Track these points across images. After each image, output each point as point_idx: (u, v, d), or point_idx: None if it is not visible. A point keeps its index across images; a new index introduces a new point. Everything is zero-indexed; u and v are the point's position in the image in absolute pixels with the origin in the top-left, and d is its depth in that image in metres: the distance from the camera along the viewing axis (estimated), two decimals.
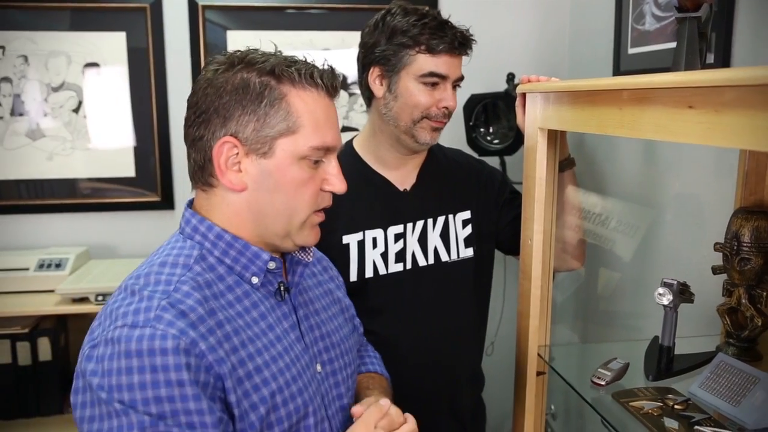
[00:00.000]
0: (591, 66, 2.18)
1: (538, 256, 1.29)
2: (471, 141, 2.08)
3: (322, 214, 0.99)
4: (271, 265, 0.96)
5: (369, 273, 1.38)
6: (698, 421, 1.03)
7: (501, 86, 2.12)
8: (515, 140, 2.05)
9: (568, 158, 1.40)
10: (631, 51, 1.96)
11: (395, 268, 1.39)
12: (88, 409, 0.83)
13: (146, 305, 0.85)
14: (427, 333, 1.40)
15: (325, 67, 0.96)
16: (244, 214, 0.94)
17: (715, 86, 0.74)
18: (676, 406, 1.08)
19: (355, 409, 1.00)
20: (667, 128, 0.84)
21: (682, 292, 1.22)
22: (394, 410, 0.99)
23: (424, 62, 1.31)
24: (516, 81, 2.17)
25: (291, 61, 0.93)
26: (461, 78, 1.38)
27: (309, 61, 0.95)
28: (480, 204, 1.46)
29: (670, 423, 1.02)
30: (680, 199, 1.71)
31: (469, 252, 1.44)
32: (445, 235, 1.42)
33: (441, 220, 1.42)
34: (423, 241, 1.41)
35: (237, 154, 0.91)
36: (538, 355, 1.33)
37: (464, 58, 1.38)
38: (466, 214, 1.45)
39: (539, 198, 1.27)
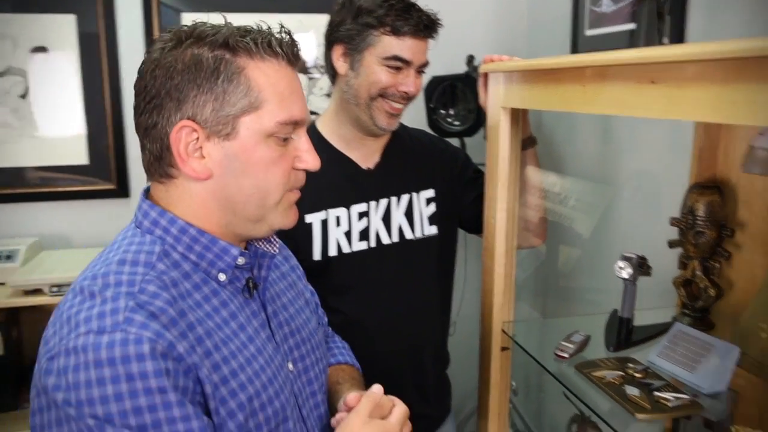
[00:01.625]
0: (549, 48, 2.21)
1: (502, 234, 1.31)
2: (432, 123, 2.09)
3: (297, 192, 0.92)
4: (240, 260, 0.89)
5: (333, 251, 1.38)
6: (657, 387, 1.06)
7: (461, 68, 2.13)
8: (475, 122, 2.07)
9: (530, 137, 1.43)
10: (589, 33, 1.99)
11: (359, 246, 1.39)
12: (54, 429, 0.75)
13: (111, 307, 0.76)
14: (393, 310, 1.41)
15: (283, 34, 0.87)
16: (211, 204, 0.86)
17: (677, 61, 0.76)
18: (636, 375, 1.11)
19: (350, 399, 0.96)
20: (630, 103, 0.86)
21: (641, 266, 1.26)
22: (384, 397, 0.95)
23: (389, 44, 1.31)
24: (476, 63, 2.19)
25: (245, 31, 0.84)
26: (426, 64, 1.38)
27: (264, 28, 0.86)
28: (443, 182, 1.48)
29: (631, 390, 1.05)
30: (637, 177, 1.76)
31: (433, 230, 1.45)
32: (409, 213, 1.43)
33: (405, 198, 1.43)
34: (387, 219, 1.41)
35: (197, 138, 0.83)
36: (503, 331, 1.35)
37: (430, 42, 1.38)
38: (430, 193, 1.46)
39: (502, 177, 1.29)
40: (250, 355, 0.87)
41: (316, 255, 1.36)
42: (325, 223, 1.37)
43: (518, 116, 1.30)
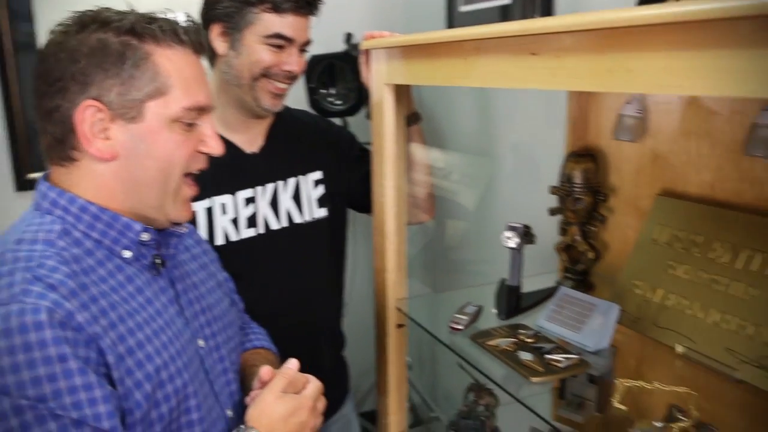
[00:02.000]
0: (425, 24, 2.23)
1: (392, 211, 1.31)
2: (313, 103, 2.05)
3: (194, 186, 0.94)
4: (144, 236, 0.89)
5: (220, 240, 1.32)
6: (548, 350, 1.11)
7: (339, 46, 2.10)
8: (357, 101, 2.05)
9: (414, 113, 1.43)
10: (463, 9, 2.03)
11: (248, 233, 1.34)
12: None
13: (7, 281, 0.76)
14: (286, 296, 1.38)
15: (189, 23, 0.90)
16: (114, 186, 0.87)
17: (556, 32, 0.78)
18: (527, 340, 1.15)
19: (264, 373, 0.98)
20: (512, 75, 0.88)
21: (526, 234, 1.30)
22: (298, 374, 0.98)
23: (270, 22, 1.26)
24: (354, 41, 2.17)
25: (151, 18, 0.86)
26: (308, 42, 1.35)
27: (170, 17, 0.89)
28: (330, 163, 1.45)
29: (525, 356, 1.09)
30: (515, 148, 1.82)
31: (322, 212, 1.43)
32: (296, 197, 1.40)
33: (292, 181, 1.39)
34: (275, 204, 1.37)
35: (102, 119, 0.83)
36: (397, 308, 1.36)
37: (312, 20, 1.34)
38: (317, 175, 1.43)
39: (389, 154, 1.29)
40: (157, 327, 0.88)
41: None
42: (210, 211, 1.31)
43: (402, 92, 1.29)
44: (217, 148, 0.93)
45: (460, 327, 1.23)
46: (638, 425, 0.90)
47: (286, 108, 1.45)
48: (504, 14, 1.84)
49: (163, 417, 0.85)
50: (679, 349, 1.10)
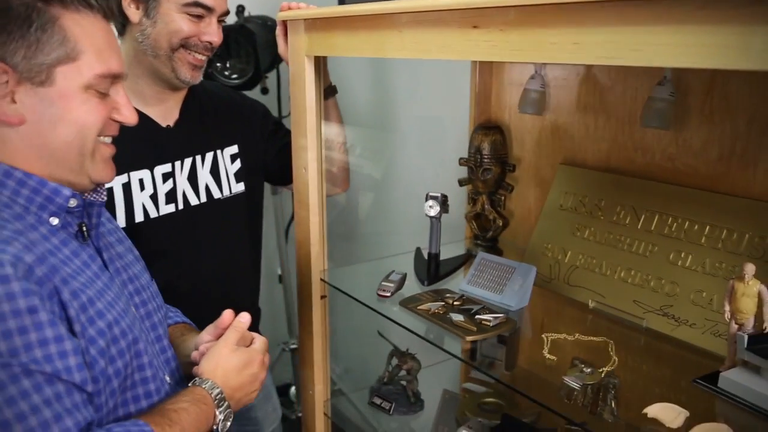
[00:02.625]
0: None
1: (314, 184, 1.31)
2: (208, 76, 1.97)
3: (112, 146, 0.92)
4: (72, 202, 0.86)
5: (139, 217, 1.27)
6: (476, 311, 1.17)
7: (232, 19, 2.04)
8: (253, 75, 2.01)
9: (331, 86, 1.43)
10: None
11: (167, 209, 1.29)
12: None
13: None
14: (206, 271, 1.35)
15: None
16: (27, 152, 0.84)
17: (500, 6, 0.82)
18: (455, 303, 1.21)
19: (223, 318, 1.02)
20: (453, 48, 0.91)
21: (444, 203, 1.35)
22: (246, 330, 1.02)
23: None
24: (246, 14, 2.11)
25: None
26: (227, 12, 1.30)
27: None
28: (246, 137, 1.42)
29: (457, 317, 1.15)
30: (421, 122, 1.87)
31: (240, 187, 1.40)
32: (215, 172, 1.36)
33: (209, 156, 1.35)
34: (193, 179, 1.33)
35: (7, 82, 0.80)
36: (321, 279, 1.37)
37: None
38: (234, 149, 1.40)
39: (310, 126, 1.28)
40: (100, 288, 0.87)
41: (121, 222, 1.24)
42: (127, 186, 1.24)
43: (320, 65, 1.29)
44: (130, 117, 0.91)
45: (387, 294, 1.27)
46: (569, 373, 0.98)
47: (202, 81, 1.40)
48: None
49: (119, 372, 0.85)
50: (592, 304, 1.20)
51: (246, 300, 1.46)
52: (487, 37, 0.85)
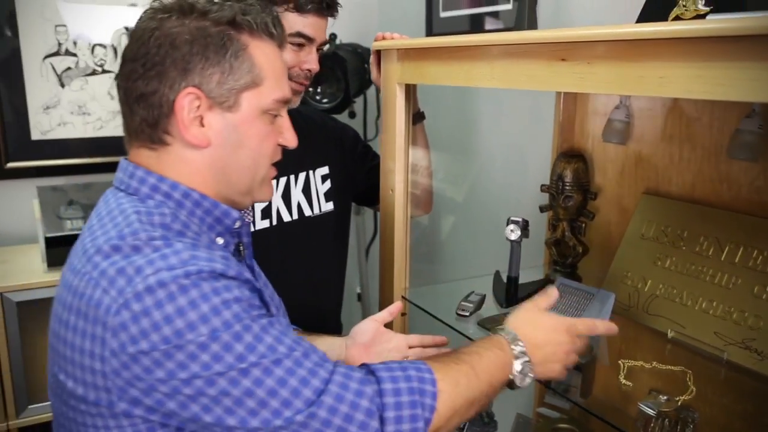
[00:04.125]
0: (404, 28, 2.30)
1: (400, 204, 1.37)
2: (301, 101, 2.09)
3: (275, 169, 0.97)
4: (237, 224, 0.92)
5: None
6: None
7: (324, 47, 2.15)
8: (343, 99, 2.11)
9: (419, 112, 1.50)
10: (444, 14, 2.11)
11: (262, 224, 1.38)
12: (181, 370, 0.73)
13: (172, 250, 0.77)
14: (295, 286, 1.42)
15: (275, 18, 0.93)
16: (206, 172, 0.88)
17: (588, 41, 0.86)
18: None
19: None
20: (541, 79, 0.96)
21: (525, 228, 1.39)
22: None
23: (293, 21, 1.30)
24: (337, 41, 2.23)
25: (245, 11, 0.88)
26: (326, 42, 1.39)
27: (257, 9, 0.91)
28: (337, 159, 1.51)
29: None
30: (506, 148, 1.91)
31: (329, 206, 1.48)
32: (306, 191, 1.44)
33: (302, 176, 1.44)
34: (287, 197, 1.42)
35: (199, 107, 0.85)
36: (403, 297, 1.42)
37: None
38: (325, 170, 1.48)
39: (399, 149, 1.35)
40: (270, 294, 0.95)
41: None
42: None
43: (410, 92, 1.36)
44: (292, 141, 0.97)
45: (466, 314, 1.31)
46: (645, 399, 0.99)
47: (296, 106, 1.49)
48: (479, 22, 1.94)
49: None
50: (671, 333, 1.20)
51: (331, 314, 1.53)
52: (574, 70, 0.90)
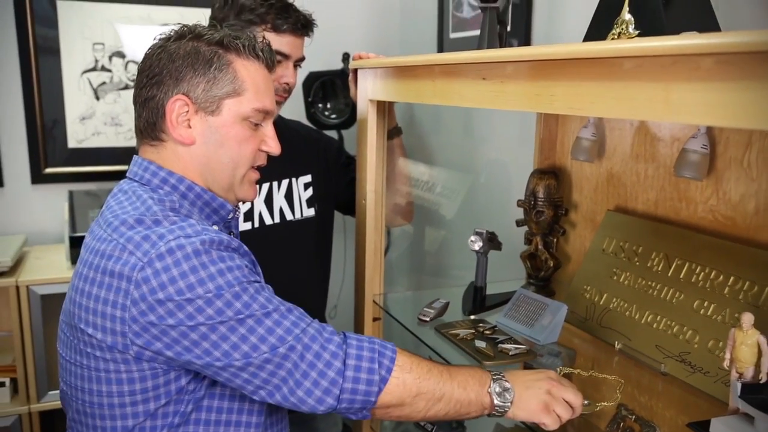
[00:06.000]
0: (418, 48, 2.40)
1: (372, 213, 1.46)
2: (310, 116, 2.21)
3: (257, 172, 1.11)
4: (230, 215, 1.08)
5: None
6: (502, 341, 1.25)
7: (338, 65, 2.26)
8: (351, 115, 2.21)
9: (396, 127, 1.58)
10: (452, 36, 2.19)
11: (244, 226, 1.50)
12: (189, 320, 0.89)
13: (188, 223, 0.94)
14: (276, 284, 1.52)
15: (265, 44, 1.09)
16: (193, 166, 1.04)
17: (500, 62, 0.93)
18: (485, 332, 1.29)
19: None
20: (467, 96, 1.03)
21: (491, 240, 1.44)
22: None
23: (271, 40, 1.40)
24: (351, 60, 2.33)
25: (236, 36, 1.05)
26: (302, 58, 1.50)
27: (251, 37, 1.08)
28: (320, 168, 1.60)
29: (480, 344, 1.23)
30: (492, 165, 1.97)
31: (311, 212, 1.58)
32: (289, 197, 1.55)
33: (285, 182, 1.55)
34: (269, 202, 1.52)
35: (187, 111, 1.01)
36: (374, 301, 1.50)
37: (306, 40, 1.50)
38: (308, 178, 1.59)
39: (371, 162, 1.44)
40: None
41: None
42: None
43: (384, 108, 1.45)
44: (275, 148, 1.11)
45: (426, 318, 1.37)
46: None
47: (281, 118, 1.60)
48: (479, 42, 2.00)
49: None
50: (618, 345, 1.23)
51: (314, 312, 1.62)
52: (491, 88, 0.96)
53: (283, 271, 1.54)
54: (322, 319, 1.70)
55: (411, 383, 0.97)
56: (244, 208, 1.50)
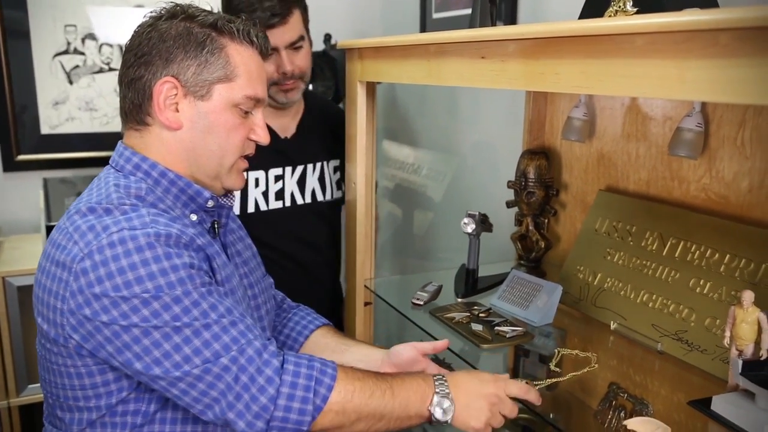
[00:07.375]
0: (400, 29, 2.36)
1: (362, 197, 1.43)
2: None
3: (246, 161, 1.06)
4: (210, 203, 1.02)
5: (251, 209, 1.53)
6: (498, 323, 1.24)
7: (319, 46, 2.22)
8: (334, 97, 2.18)
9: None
10: (436, 15, 2.16)
11: (275, 205, 1.55)
12: (123, 319, 0.84)
13: (136, 214, 0.90)
14: (301, 262, 1.58)
15: (260, 30, 1.03)
16: (178, 152, 0.99)
17: (502, 40, 0.91)
18: (480, 315, 1.28)
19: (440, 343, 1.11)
20: (465, 76, 1.01)
21: (483, 222, 1.43)
22: None
23: None
24: (333, 41, 2.29)
25: (230, 19, 1.00)
26: (294, 42, 1.45)
27: (246, 22, 1.03)
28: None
29: (476, 327, 1.22)
30: (479, 146, 1.95)
31: (339, 194, 1.66)
32: (321, 179, 1.62)
33: (318, 166, 1.61)
34: (302, 183, 1.58)
35: (176, 94, 0.96)
36: (365, 286, 1.48)
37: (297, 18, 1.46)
38: (336, 162, 1.65)
39: (360, 145, 1.41)
40: (228, 273, 1.01)
41: (235, 210, 1.46)
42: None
43: (373, 89, 1.42)
44: (264, 138, 1.04)
45: (420, 302, 1.36)
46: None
47: (313, 97, 1.66)
48: (471, 21, 1.98)
49: None
50: (613, 325, 1.23)
51: (328, 284, 1.70)
52: (491, 67, 0.94)
53: (308, 245, 1.61)
54: (338, 297, 1.72)
55: (351, 410, 0.93)
56: (276, 187, 1.55)
